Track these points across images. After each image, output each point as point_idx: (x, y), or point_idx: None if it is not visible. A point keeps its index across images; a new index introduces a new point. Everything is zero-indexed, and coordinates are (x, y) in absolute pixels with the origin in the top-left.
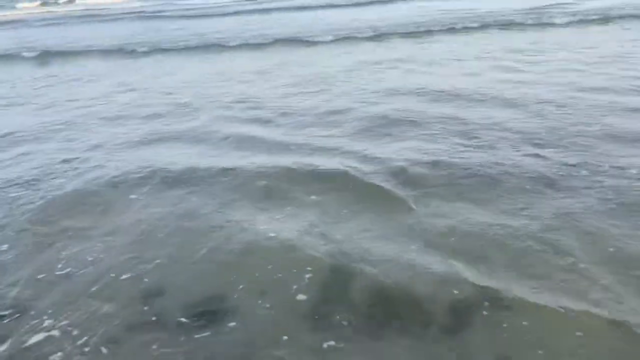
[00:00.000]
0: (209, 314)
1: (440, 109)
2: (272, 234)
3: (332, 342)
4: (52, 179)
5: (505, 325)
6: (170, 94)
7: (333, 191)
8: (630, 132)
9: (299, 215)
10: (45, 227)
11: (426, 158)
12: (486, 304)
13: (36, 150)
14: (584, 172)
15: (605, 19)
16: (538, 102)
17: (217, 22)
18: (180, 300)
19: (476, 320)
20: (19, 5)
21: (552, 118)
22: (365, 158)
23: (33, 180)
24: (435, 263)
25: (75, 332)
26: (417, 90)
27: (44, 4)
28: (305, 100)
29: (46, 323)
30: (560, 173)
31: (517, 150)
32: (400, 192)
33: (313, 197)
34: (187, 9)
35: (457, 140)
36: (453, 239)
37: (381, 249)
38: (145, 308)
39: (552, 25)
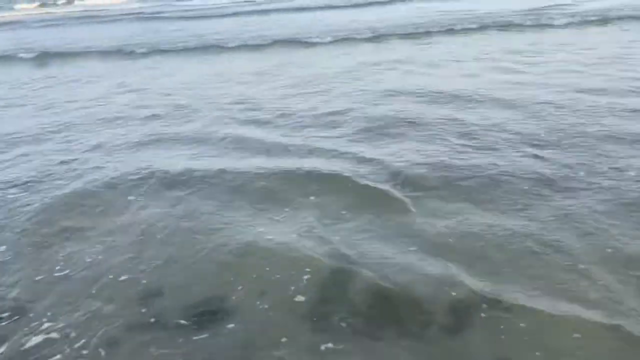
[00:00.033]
0: (207, 315)
1: (439, 110)
2: (271, 235)
3: (330, 344)
4: (51, 180)
5: (504, 326)
6: (169, 95)
7: (332, 192)
8: (629, 133)
9: (298, 217)
10: (44, 229)
11: (425, 159)
12: (485, 305)
13: (35, 152)
14: (583, 173)
15: (604, 20)
16: (537, 103)
17: (216, 23)
18: (179, 302)
19: (475, 321)
20: (17, 6)
21: (551, 119)
22: (364, 159)
23: (32, 181)
24: (434, 264)
25: (74, 334)
26: (416, 92)
27: (42, 5)
28: (304, 102)
29: (45, 325)
30: (559, 174)
31: (516, 151)
32: (399, 193)
33: (312, 198)
34: (186, 10)
35: (456, 141)
36: (452, 240)
37: (380, 250)
38: (144, 309)
39: (551, 26)
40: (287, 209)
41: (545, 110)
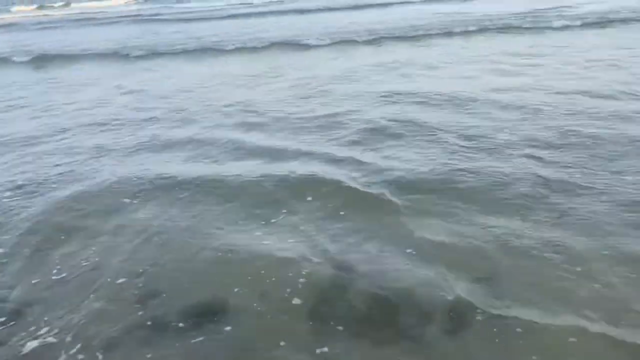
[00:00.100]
0: (204, 317)
1: (437, 113)
2: (267, 239)
3: (325, 348)
4: (47, 183)
5: (501, 329)
6: (166, 97)
7: (328, 196)
8: (627, 136)
9: (294, 221)
10: (40, 232)
11: (423, 162)
12: (482, 308)
13: (31, 155)
14: (582, 176)
15: (602, 22)
16: (535, 106)
17: (214, 25)
18: (176, 304)
19: (472, 324)
20: (14, 8)
21: (549, 121)
22: (361, 163)
23: (27, 185)
24: (431, 267)
25: (71, 338)
26: (414, 94)
27: (40, 7)
28: (302, 105)
29: (42, 329)
30: (558, 176)
31: (514, 154)
32: (397, 196)
33: (308, 203)
34: (184, 12)
35: (454, 143)
36: (449, 243)
37: (376, 253)
38: (141, 312)
39: (550, 29)
40: (283, 214)
41: (543, 112)
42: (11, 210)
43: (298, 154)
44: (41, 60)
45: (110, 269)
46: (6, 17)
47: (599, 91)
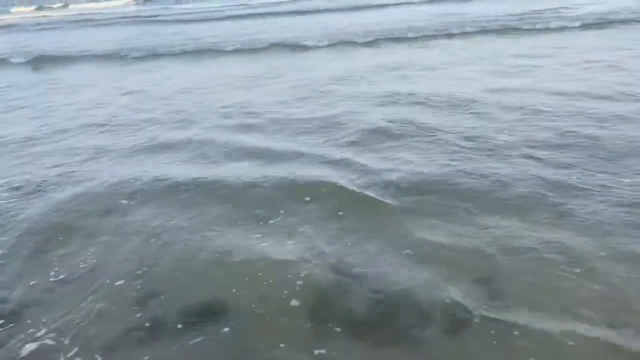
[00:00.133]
0: (203, 319)
1: (436, 114)
2: (266, 241)
3: (323, 350)
4: (46, 184)
5: (500, 331)
6: (165, 99)
7: (327, 198)
8: (627, 136)
9: (293, 222)
10: (39, 233)
11: (422, 163)
12: (481, 310)
13: (30, 156)
14: (581, 176)
15: (601, 24)
16: (534, 107)
17: (213, 27)
18: (175, 306)
19: (471, 326)
20: (13, 9)
21: (548, 122)
22: (360, 166)
23: (26, 186)
24: (430, 268)
25: (69, 340)
26: (414, 95)
27: (38, 8)
28: (301, 106)
29: (40, 331)
30: (557, 177)
31: (514, 155)
32: (397, 197)
33: (307, 204)
34: (182, 14)
35: (453, 144)
36: (448, 243)
37: (375, 255)
38: (140, 314)
39: (549, 30)
40: (282, 213)
41: (543, 113)
42: (9, 211)
43: (297, 155)
44: (40, 61)
45: (109, 270)
46: (6, 18)
47: (599, 92)
